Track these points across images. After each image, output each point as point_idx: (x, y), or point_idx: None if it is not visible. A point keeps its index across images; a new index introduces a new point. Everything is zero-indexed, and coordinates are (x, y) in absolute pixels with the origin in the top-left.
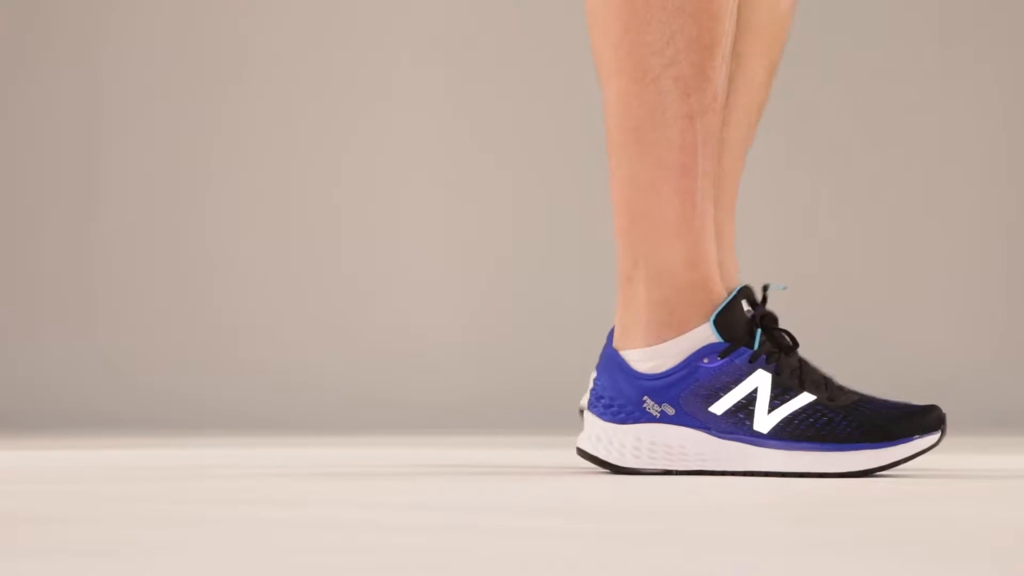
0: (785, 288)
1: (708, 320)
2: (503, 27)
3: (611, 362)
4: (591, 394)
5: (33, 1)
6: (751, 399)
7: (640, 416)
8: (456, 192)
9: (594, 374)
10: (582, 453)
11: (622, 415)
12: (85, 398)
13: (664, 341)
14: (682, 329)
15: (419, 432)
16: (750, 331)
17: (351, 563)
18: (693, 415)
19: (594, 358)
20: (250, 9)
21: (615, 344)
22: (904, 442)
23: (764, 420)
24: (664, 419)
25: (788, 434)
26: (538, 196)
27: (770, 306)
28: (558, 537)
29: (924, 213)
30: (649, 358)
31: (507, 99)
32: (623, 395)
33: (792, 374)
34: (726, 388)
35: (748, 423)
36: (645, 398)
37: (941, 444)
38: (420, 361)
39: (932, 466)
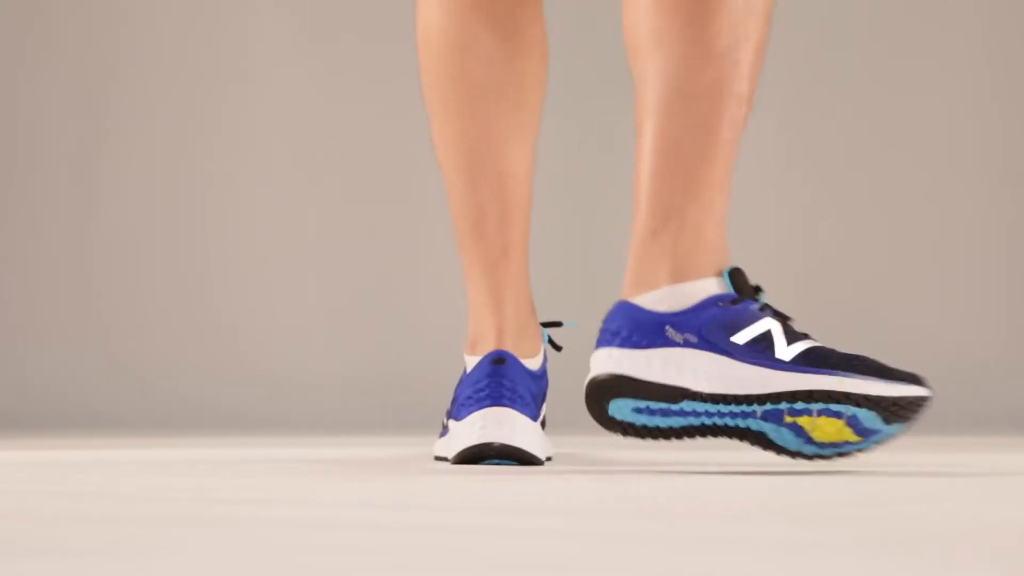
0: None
1: (723, 273)
2: None
3: (623, 309)
4: (601, 334)
5: (34, 1)
6: (767, 336)
7: (663, 342)
8: None
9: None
10: (598, 382)
11: (644, 342)
12: (86, 398)
13: (681, 283)
14: (699, 276)
15: (419, 432)
16: (752, 294)
17: (351, 563)
18: (717, 343)
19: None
20: (253, 10)
21: (625, 296)
22: (909, 384)
23: (785, 351)
24: (687, 345)
25: (810, 361)
26: (559, 193)
27: (773, 304)
28: (558, 537)
29: (924, 211)
30: (665, 298)
31: None
32: (642, 327)
33: (796, 332)
34: (745, 323)
35: (770, 351)
36: (667, 327)
37: (942, 442)
38: (421, 361)
39: (933, 465)
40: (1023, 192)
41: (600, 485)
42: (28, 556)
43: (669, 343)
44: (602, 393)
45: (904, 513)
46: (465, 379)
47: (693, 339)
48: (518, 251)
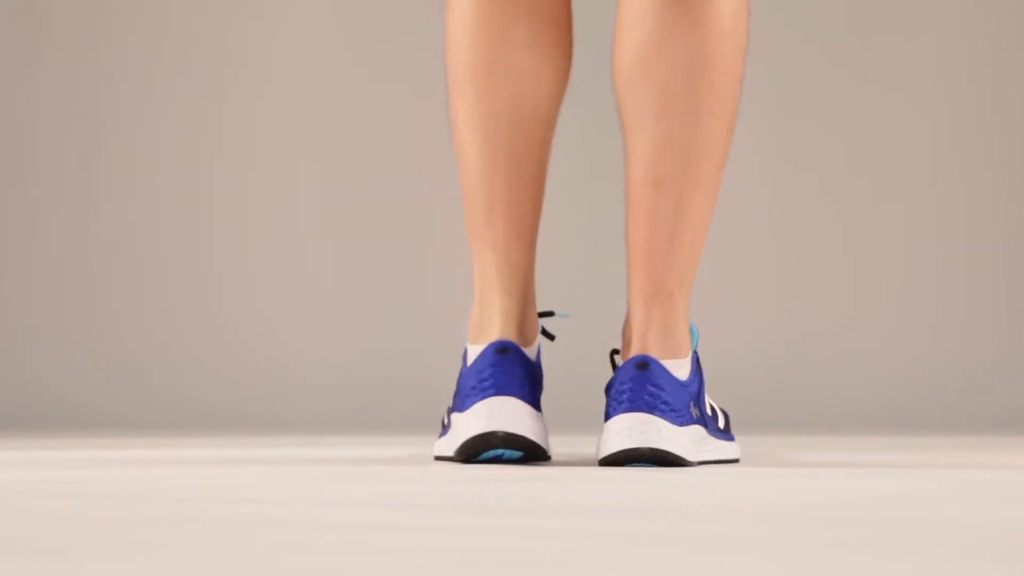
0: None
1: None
2: None
3: (664, 372)
4: (660, 402)
5: (34, 1)
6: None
7: (688, 419)
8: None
9: None
10: (665, 453)
11: (681, 419)
12: (85, 398)
13: (690, 350)
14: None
15: (419, 432)
16: None
17: (351, 563)
18: (703, 413)
19: (592, 357)
20: (254, 9)
21: (657, 356)
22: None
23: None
24: (700, 421)
25: (726, 429)
26: (558, 192)
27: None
28: (558, 537)
29: (924, 211)
30: (683, 366)
31: None
32: (679, 401)
33: None
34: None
35: (714, 420)
36: (691, 403)
37: (942, 443)
38: (421, 361)
39: (935, 465)
40: (1023, 192)
41: (601, 485)
42: (28, 556)
43: (691, 420)
44: (668, 461)
45: (906, 513)
46: (467, 370)
47: (696, 413)
48: (530, 236)
